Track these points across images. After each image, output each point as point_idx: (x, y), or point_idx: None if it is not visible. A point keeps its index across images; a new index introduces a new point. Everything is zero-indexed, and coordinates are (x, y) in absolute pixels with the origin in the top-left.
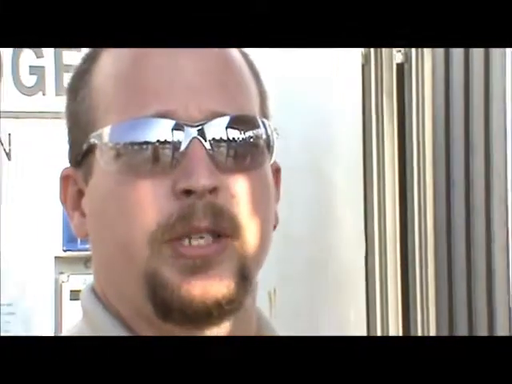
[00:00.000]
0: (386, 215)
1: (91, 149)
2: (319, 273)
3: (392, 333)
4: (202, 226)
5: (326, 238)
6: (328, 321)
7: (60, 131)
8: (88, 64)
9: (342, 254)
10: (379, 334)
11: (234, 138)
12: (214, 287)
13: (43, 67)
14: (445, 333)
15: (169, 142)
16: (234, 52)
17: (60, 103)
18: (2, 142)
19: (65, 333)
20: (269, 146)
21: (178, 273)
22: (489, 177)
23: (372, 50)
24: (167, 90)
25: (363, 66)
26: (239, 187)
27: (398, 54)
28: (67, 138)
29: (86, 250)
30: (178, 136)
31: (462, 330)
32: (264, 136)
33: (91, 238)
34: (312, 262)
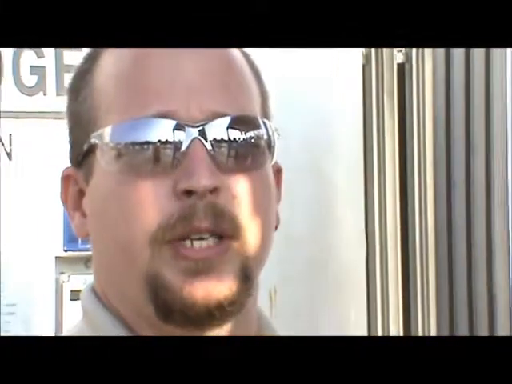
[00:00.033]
0: (387, 215)
1: (92, 149)
2: (320, 273)
3: (393, 333)
4: (203, 226)
5: (327, 238)
6: (328, 321)
7: (61, 131)
8: (89, 64)
9: (343, 254)
10: (380, 333)
11: (235, 139)
12: (216, 289)
13: (44, 67)
14: (445, 333)
15: (170, 142)
16: (235, 52)
17: (61, 103)
18: (3, 142)
19: (65, 333)
20: (270, 146)
21: (179, 274)
22: (489, 177)
23: (373, 50)
24: (168, 90)
25: (364, 66)
26: (240, 188)
27: (398, 54)
28: (68, 138)
29: (87, 250)
30: (179, 136)
31: (462, 330)
32: (265, 136)
33: (92, 238)
34: (312, 261)
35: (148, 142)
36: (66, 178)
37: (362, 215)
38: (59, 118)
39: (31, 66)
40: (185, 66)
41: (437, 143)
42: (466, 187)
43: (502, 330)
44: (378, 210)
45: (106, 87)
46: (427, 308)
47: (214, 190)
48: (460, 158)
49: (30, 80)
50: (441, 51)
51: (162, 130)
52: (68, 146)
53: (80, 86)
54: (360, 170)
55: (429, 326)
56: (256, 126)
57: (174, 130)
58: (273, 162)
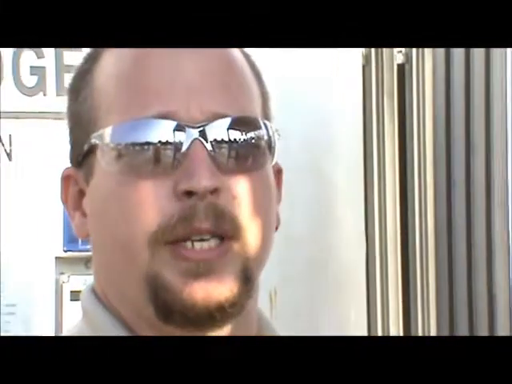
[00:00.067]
0: (387, 215)
1: (92, 149)
2: (320, 273)
3: (393, 333)
4: (203, 227)
5: (327, 238)
6: (328, 321)
7: (61, 132)
8: (89, 64)
9: (343, 254)
10: (380, 334)
11: (235, 140)
12: (216, 290)
13: (44, 67)
14: (445, 333)
15: (170, 143)
16: (236, 53)
17: (61, 103)
18: (3, 142)
19: (65, 333)
20: (270, 147)
21: (180, 276)
22: (489, 177)
23: (373, 50)
24: (169, 90)
25: (364, 67)
26: (241, 188)
27: (398, 55)
28: (68, 139)
29: (87, 250)
30: (180, 137)
31: (462, 330)
32: (265, 137)
33: (92, 239)
34: (312, 262)
35: (148, 143)
36: (66, 179)
37: (361, 215)
38: (59, 119)
39: (31, 67)
40: (185, 67)
41: (437, 143)
42: (466, 187)
43: (501, 330)
44: (378, 210)
45: (106, 87)
46: (427, 308)
47: (215, 191)
48: (460, 157)
49: (29, 80)
50: (441, 51)
51: (162, 131)
52: (68, 147)
53: (80, 87)
54: (360, 169)
55: (429, 326)
56: (256, 127)
57: (174, 130)
58: (273, 163)
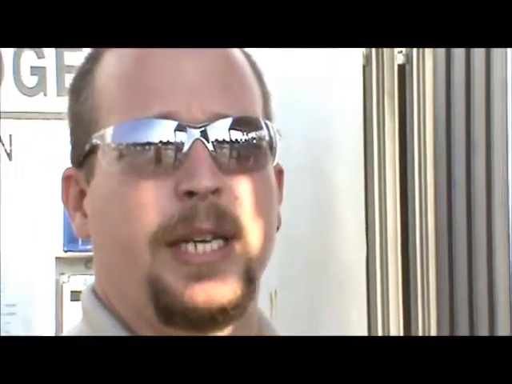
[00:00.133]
0: (387, 215)
1: (93, 149)
2: (320, 273)
3: (393, 333)
4: (204, 227)
5: (327, 238)
6: (329, 321)
7: (61, 132)
8: (90, 64)
9: (343, 254)
10: (380, 333)
11: (236, 140)
12: (219, 293)
13: (44, 68)
14: (446, 333)
15: (171, 143)
16: (237, 53)
17: (61, 104)
18: (3, 142)
19: (65, 333)
20: (271, 147)
21: (181, 278)
22: (490, 176)
23: (373, 51)
24: (170, 90)
25: (364, 67)
26: (242, 189)
27: (399, 55)
28: (69, 139)
29: (87, 250)
30: (181, 137)
31: (462, 330)
32: (267, 137)
33: (93, 239)
34: (313, 262)
35: (149, 143)
36: (66, 179)
37: (362, 215)
38: (60, 119)
39: (32, 67)
40: (186, 67)
41: (437, 143)
42: (467, 187)
43: (502, 330)
44: (379, 210)
45: (107, 87)
46: (427, 308)
47: (216, 191)
48: (460, 157)
49: (30, 80)
50: (441, 52)
51: (163, 131)
52: (69, 147)
53: (81, 87)
54: (360, 169)
55: (429, 325)
56: (258, 127)
57: (175, 130)
58: (274, 163)
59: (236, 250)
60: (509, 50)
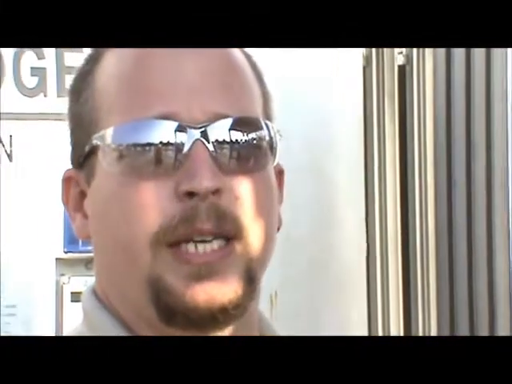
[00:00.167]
0: (388, 215)
1: (94, 150)
2: (320, 273)
3: (393, 333)
4: (205, 227)
5: (327, 239)
6: (329, 321)
7: (62, 133)
8: (90, 65)
9: (344, 254)
10: (380, 333)
11: (237, 140)
12: (220, 293)
13: (44, 68)
14: (446, 333)
15: (172, 144)
16: (237, 53)
17: (61, 105)
18: (4, 143)
19: (65, 334)
20: (272, 147)
21: (182, 279)
22: (490, 177)
23: (373, 52)
24: (170, 91)
25: (364, 68)
26: (242, 189)
27: (399, 56)
28: (69, 140)
29: (87, 251)
30: (181, 138)
31: (463, 330)
32: (267, 138)
33: (93, 240)
34: (313, 262)
35: (150, 144)
36: (67, 180)
37: (362, 215)
38: (60, 120)
39: (32, 68)
40: (186, 67)
41: (437, 143)
42: (467, 187)
43: (502, 330)
44: (379, 210)
45: (107, 88)
46: (428, 308)
47: (216, 192)
48: (461, 158)
49: (30, 81)
50: (441, 53)
51: (163, 132)
52: (69, 148)
53: (81, 88)
54: (360, 169)
55: (429, 326)
56: (258, 128)
57: (175, 131)
58: (275, 164)
59: (236, 250)
60: (509, 50)
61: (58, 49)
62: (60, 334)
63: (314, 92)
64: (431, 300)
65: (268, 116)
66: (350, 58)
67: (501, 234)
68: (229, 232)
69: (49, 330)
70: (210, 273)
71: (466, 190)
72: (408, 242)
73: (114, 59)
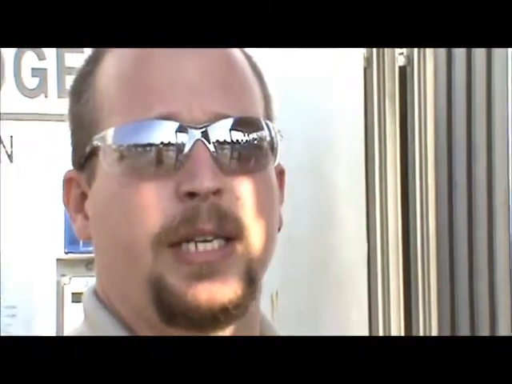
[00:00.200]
0: (388, 216)
1: (94, 151)
2: (321, 273)
3: (394, 333)
4: (206, 228)
5: (328, 239)
6: (330, 321)
7: (62, 133)
8: (91, 66)
9: (344, 255)
10: (381, 333)
11: (237, 140)
12: (220, 292)
13: (45, 69)
14: (447, 333)
15: (172, 144)
16: (238, 53)
17: (62, 105)
18: (4, 144)
19: (66, 335)
20: (273, 148)
21: (183, 279)
22: (491, 178)
23: (374, 53)
24: (171, 91)
25: (365, 69)
26: (243, 189)
27: (400, 57)
28: (70, 141)
29: (88, 252)
30: (182, 138)
31: (463, 331)
32: (268, 138)
33: (94, 241)
34: (314, 262)
35: (151, 144)
36: (68, 181)
37: (363, 215)
38: (61, 121)
39: (32, 68)
40: (187, 67)
41: (438, 144)
42: (468, 188)
43: (503, 330)
44: (380, 210)
45: (108, 89)
46: (428, 308)
47: (217, 192)
48: (461, 159)
49: (31, 82)
50: (442, 54)
51: (164, 132)
52: (70, 149)
53: (82, 88)
54: (361, 169)
55: (430, 326)
56: (259, 128)
57: (176, 131)
58: (275, 164)
59: (237, 251)
60: (510, 50)
61: (59, 49)
62: (61, 335)
63: (313, 92)
64: (432, 300)
65: (269, 116)
66: (350, 58)
67: (501, 234)
68: (230, 232)
69: (49, 331)
70: (211, 272)
71: (467, 191)
72: (409, 243)
73: (115, 60)
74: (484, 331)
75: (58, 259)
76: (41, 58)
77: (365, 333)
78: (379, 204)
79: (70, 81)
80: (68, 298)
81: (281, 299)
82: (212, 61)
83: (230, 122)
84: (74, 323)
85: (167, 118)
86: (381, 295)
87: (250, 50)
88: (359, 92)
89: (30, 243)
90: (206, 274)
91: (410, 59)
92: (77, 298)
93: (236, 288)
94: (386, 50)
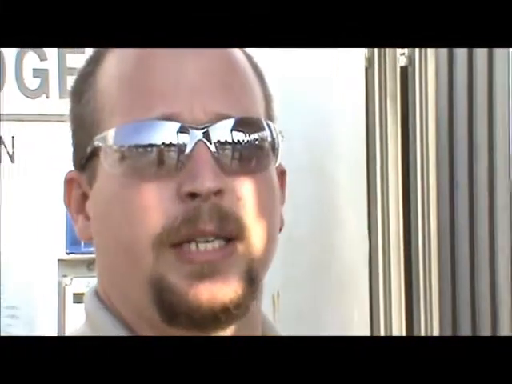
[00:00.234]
0: (390, 216)
1: (95, 152)
2: (322, 274)
3: (395, 333)
4: (208, 229)
5: (329, 239)
6: (331, 321)
7: (64, 134)
8: (92, 66)
9: (346, 255)
10: (382, 334)
11: (239, 141)
12: (221, 292)
13: (47, 70)
14: (448, 333)
15: (174, 145)
16: (239, 54)
17: (64, 106)
18: (6, 144)
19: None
20: (274, 148)
21: (184, 278)
22: (492, 178)
23: (376, 53)
24: (172, 91)
25: (367, 69)
26: (245, 190)
27: (401, 57)
28: (71, 141)
29: (90, 252)
30: (183, 139)
31: (465, 330)
32: (269, 138)
33: (95, 241)
34: (315, 263)
35: (152, 145)
36: (69, 182)
37: (364, 215)
38: (62, 121)
39: (34, 69)
40: (188, 68)
41: (440, 145)
42: (469, 188)
43: (504, 330)
44: (381, 210)
45: (109, 89)
46: (430, 308)
47: (219, 193)
48: (463, 159)
49: (32, 83)
50: (444, 54)
51: (165, 133)
52: (71, 149)
53: (83, 89)
54: (361, 169)
55: (431, 326)
56: (260, 128)
57: (178, 132)
58: (277, 164)
59: (238, 251)
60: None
61: (60, 50)
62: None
63: (314, 92)
64: (433, 300)
65: (270, 117)
66: (350, 58)
67: (503, 235)
68: (231, 233)
69: (51, 331)
70: (212, 272)
71: (469, 191)
72: (410, 243)
73: (116, 60)
74: (485, 331)
75: (59, 260)
76: (42, 58)
77: (366, 333)
78: (380, 204)
79: (71, 81)
80: (69, 298)
81: (282, 299)
82: (213, 61)
83: (231, 122)
84: (76, 324)
85: (168, 118)
86: (382, 295)
87: (250, 50)
88: (360, 92)
89: (31, 244)
90: (208, 274)
91: (411, 59)
92: (78, 298)
93: (237, 288)
94: (387, 50)
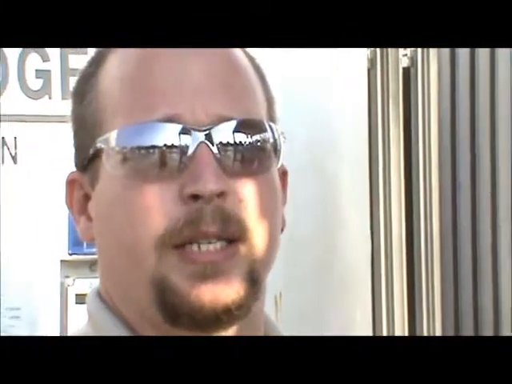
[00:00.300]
0: (392, 217)
1: (98, 153)
2: (325, 274)
3: (398, 333)
4: (210, 230)
5: (332, 239)
6: (334, 321)
7: (66, 135)
8: (94, 67)
9: (348, 255)
10: (385, 334)
11: (241, 142)
12: (223, 293)
13: (49, 71)
14: (450, 333)
15: (176, 147)
16: (241, 55)
17: (66, 107)
18: (8, 145)
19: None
20: (276, 149)
21: (187, 279)
22: (495, 179)
23: (378, 54)
24: (173, 93)
25: (369, 71)
26: (247, 191)
27: (403, 58)
28: (73, 142)
29: (92, 253)
30: (186, 140)
31: (467, 330)
32: (271, 140)
33: (97, 242)
34: (318, 263)
35: (154, 146)
36: (71, 183)
37: (366, 216)
38: (64, 122)
39: (36, 70)
40: (190, 69)
41: (442, 146)
42: (472, 189)
43: (506, 331)
44: (383, 211)
45: (111, 90)
46: (432, 308)
47: (221, 194)
48: (465, 160)
49: (35, 84)
50: (446, 54)
51: (168, 134)
52: (73, 150)
53: (85, 90)
54: (363, 169)
55: (434, 326)
56: (262, 130)
57: (180, 134)
58: (278, 165)
59: (240, 252)
60: None
61: (63, 51)
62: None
63: (314, 92)
64: (436, 301)
65: (271, 118)
66: (351, 58)
67: (505, 235)
68: (233, 234)
69: (53, 332)
70: (215, 272)
71: (471, 191)
72: (413, 244)
73: (118, 61)
74: (487, 331)
75: (61, 260)
76: (45, 59)
77: (368, 333)
78: (383, 204)
79: (73, 82)
80: (72, 299)
81: (284, 300)
82: (215, 63)
83: (233, 124)
84: (78, 324)
85: (170, 120)
86: (384, 295)
87: (253, 52)
88: (361, 91)
89: (33, 244)
90: (210, 275)
91: (413, 60)
92: (81, 299)
93: (239, 289)
94: (389, 51)
